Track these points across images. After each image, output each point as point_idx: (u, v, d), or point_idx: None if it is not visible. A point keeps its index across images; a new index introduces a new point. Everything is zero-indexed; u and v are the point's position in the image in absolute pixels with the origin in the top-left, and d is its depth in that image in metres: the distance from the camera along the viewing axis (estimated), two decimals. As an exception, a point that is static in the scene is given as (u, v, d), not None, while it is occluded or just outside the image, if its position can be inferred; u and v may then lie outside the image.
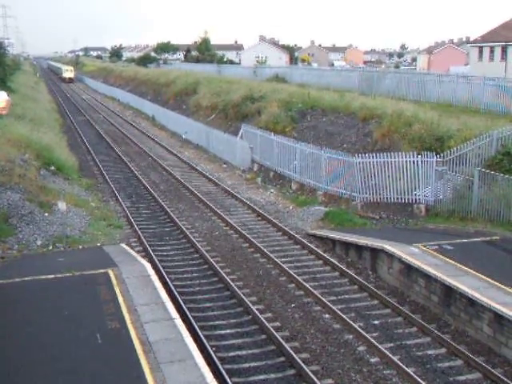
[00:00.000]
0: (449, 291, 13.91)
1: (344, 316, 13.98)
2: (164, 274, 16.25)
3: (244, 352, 12.58)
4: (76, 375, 9.65)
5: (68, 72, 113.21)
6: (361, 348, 12.77)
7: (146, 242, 19.13)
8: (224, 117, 40.89)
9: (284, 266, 17.23)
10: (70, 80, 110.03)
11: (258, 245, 19.04)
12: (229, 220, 21.81)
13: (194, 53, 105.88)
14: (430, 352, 12.61)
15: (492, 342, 12.66)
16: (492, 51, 56.57)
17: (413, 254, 15.70)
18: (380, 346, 12.53)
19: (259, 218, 22.66)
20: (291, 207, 24.05)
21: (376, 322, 14.02)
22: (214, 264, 17.37)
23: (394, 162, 21.47)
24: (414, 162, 21.00)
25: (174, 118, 46.67)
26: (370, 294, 15.55)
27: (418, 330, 13.56)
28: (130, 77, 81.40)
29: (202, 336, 12.75)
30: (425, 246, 16.36)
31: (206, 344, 12.40)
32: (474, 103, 30.66)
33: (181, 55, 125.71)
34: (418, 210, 20.96)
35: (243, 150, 31.75)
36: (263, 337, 13.24)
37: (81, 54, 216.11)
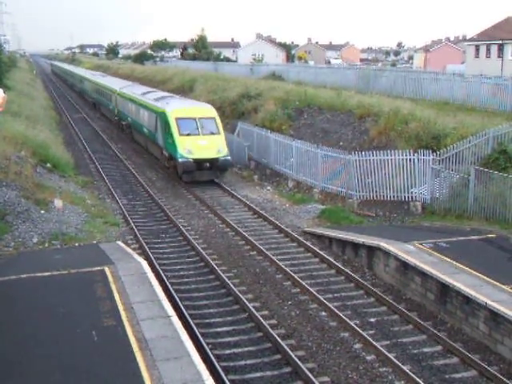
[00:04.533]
0: (445, 289, 13.93)
1: (340, 314, 14.00)
2: (160, 272, 16.24)
3: (240, 350, 12.60)
4: (72, 372, 9.63)
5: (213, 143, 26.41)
6: (357, 346, 12.79)
7: (142, 240, 19.12)
8: (220, 114, 40.65)
9: (280, 263, 17.23)
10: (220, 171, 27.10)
11: (255, 242, 19.04)
12: (225, 218, 21.79)
13: (191, 50, 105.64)
14: (426, 350, 12.63)
15: (488, 339, 12.69)
16: (489, 49, 56.66)
17: (409, 252, 15.72)
18: (376, 344, 12.54)
19: (256, 216, 22.65)
20: (287, 205, 24.04)
21: (372, 320, 14.04)
22: (211, 262, 17.37)
23: (391, 159, 21.50)
24: (410, 160, 21.03)
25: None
26: (367, 292, 15.57)
27: (414, 327, 13.59)
28: (126, 74, 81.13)
29: (198, 333, 12.75)
30: (421, 244, 16.38)
31: (203, 341, 12.40)
32: (470, 101, 30.74)
33: (177, 53, 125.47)
34: (414, 208, 20.98)
35: (239, 148, 31.72)
36: (259, 334, 13.26)
37: (77, 51, 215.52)
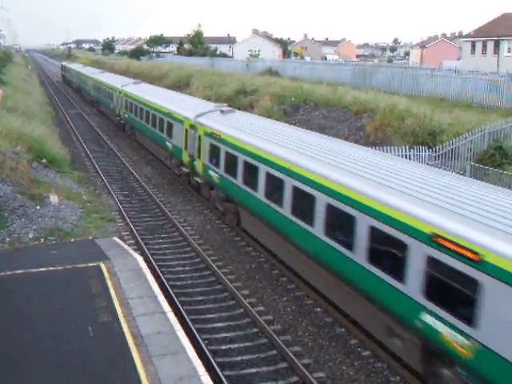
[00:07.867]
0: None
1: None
2: (156, 268, 16.23)
3: (236, 345, 12.63)
4: (67, 368, 9.64)
5: None
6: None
7: (138, 236, 19.10)
8: (217, 110, 40.76)
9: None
10: None
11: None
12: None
13: (187, 46, 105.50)
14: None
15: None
16: (485, 46, 56.72)
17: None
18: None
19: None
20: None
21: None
22: (206, 257, 17.38)
23: (387, 156, 21.50)
24: (406, 156, 21.05)
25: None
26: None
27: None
28: (122, 69, 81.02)
29: (193, 329, 12.76)
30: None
31: (198, 337, 12.42)
32: (466, 97, 30.79)
33: (173, 48, 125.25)
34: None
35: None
36: (255, 330, 13.29)
37: (73, 46, 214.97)
